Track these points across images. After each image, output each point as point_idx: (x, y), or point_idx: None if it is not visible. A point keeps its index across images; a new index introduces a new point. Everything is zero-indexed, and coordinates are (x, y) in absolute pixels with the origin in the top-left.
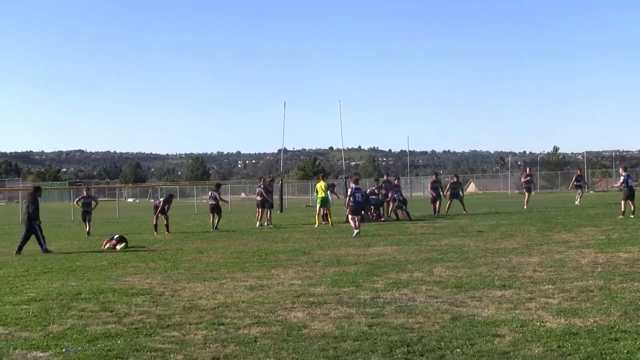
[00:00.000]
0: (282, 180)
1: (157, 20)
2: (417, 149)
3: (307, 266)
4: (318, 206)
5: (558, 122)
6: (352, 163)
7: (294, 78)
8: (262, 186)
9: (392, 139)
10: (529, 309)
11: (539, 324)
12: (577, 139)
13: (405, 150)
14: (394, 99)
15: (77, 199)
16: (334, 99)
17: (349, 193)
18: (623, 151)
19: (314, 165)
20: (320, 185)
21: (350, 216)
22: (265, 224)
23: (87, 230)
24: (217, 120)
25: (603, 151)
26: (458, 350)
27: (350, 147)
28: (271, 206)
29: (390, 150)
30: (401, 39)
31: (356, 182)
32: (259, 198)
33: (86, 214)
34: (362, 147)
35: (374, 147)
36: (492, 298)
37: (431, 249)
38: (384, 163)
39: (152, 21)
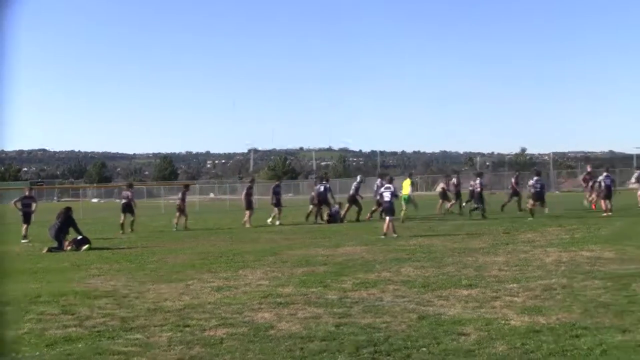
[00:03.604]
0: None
1: (118, 16)
2: (388, 150)
3: (275, 267)
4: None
5: (525, 123)
6: (323, 163)
7: (265, 77)
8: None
9: (362, 139)
10: (494, 307)
11: (503, 322)
12: (544, 140)
13: (376, 151)
14: (366, 100)
15: (16, 200)
16: (306, 99)
17: (380, 191)
18: (588, 152)
19: (284, 165)
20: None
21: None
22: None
23: (24, 233)
24: (186, 119)
25: (569, 152)
26: (424, 349)
27: (321, 148)
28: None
29: (360, 150)
30: (369, 37)
31: (390, 181)
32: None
33: (26, 215)
34: (332, 148)
35: (345, 147)
36: (459, 297)
37: (399, 249)
38: (354, 163)
39: (113, 17)
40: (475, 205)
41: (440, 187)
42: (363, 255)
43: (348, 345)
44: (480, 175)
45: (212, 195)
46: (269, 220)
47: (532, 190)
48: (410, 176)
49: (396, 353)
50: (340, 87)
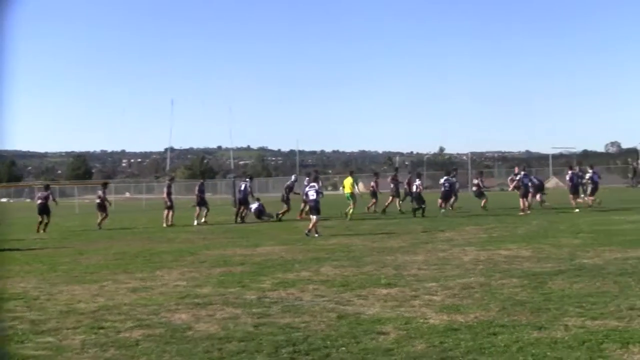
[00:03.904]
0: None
1: (34, 6)
2: (307, 149)
3: (193, 267)
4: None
5: (444, 124)
6: (241, 162)
7: (181, 75)
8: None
9: (281, 139)
10: (413, 306)
11: (422, 320)
12: (462, 140)
13: (295, 150)
14: (284, 99)
15: None
16: (223, 97)
17: (305, 190)
18: (505, 152)
19: (201, 164)
20: None
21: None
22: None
23: None
24: (101, 118)
25: (487, 152)
26: (343, 348)
27: (239, 147)
28: (170, 207)
29: (279, 149)
30: (286, 39)
31: (315, 180)
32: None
33: None
34: (251, 147)
35: (264, 147)
36: (378, 296)
37: (319, 248)
38: (273, 162)
39: (27, 8)
40: (417, 206)
41: (370, 185)
42: (282, 254)
43: (267, 345)
44: (419, 176)
45: (127, 194)
46: (195, 222)
47: (442, 189)
48: (351, 174)
49: (315, 353)
50: (258, 85)
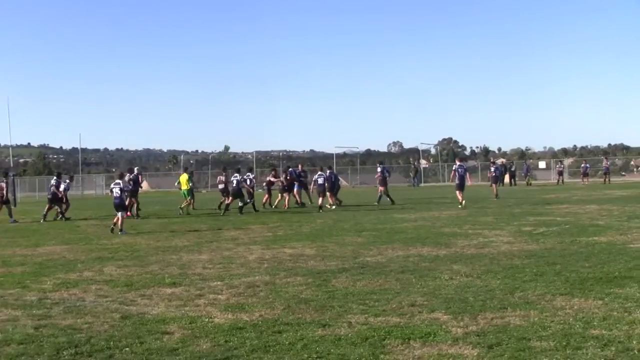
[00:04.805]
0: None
1: None
2: (90, 147)
3: None
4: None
5: (228, 123)
6: (22, 160)
7: None
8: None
9: (63, 136)
10: (198, 305)
11: (207, 319)
12: (247, 139)
13: (77, 148)
14: (66, 95)
15: None
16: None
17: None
18: (290, 151)
19: None
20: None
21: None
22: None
23: None
24: None
25: (272, 151)
26: (127, 349)
27: (19, 144)
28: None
29: (61, 147)
30: (65, 32)
31: (120, 177)
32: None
33: None
34: (31, 144)
35: (45, 144)
36: (162, 296)
37: (102, 247)
38: (54, 160)
39: None
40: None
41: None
42: (64, 254)
43: (48, 347)
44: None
45: None
46: None
47: (315, 185)
48: (185, 170)
49: (98, 354)
50: (38, 81)
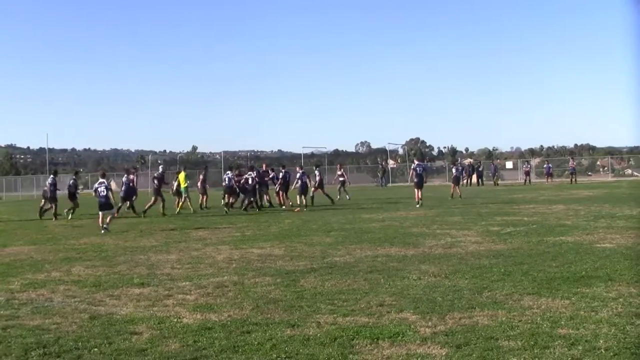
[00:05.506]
0: None
1: None
2: (57, 147)
3: None
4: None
5: (197, 123)
6: None
7: None
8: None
9: (30, 136)
10: (166, 305)
11: (176, 320)
12: (215, 139)
13: (45, 148)
14: (33, 95)
15: None
16: None
17: (95, 186)
18: (258, 151)
19: None
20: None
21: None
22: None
23: None
24: None
25: (239, 151)
26: (96, 349)
27: None
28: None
29: (29, 147)
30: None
31: (103, 176)
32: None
33: None
34: None
35: (12, 144)
36: (131, 296)
37: (70, 248)
38: (22, 160)
39: None
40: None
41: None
42: (32, 255)
43: (16, 348)
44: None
45: None
46: None
47: (298, 183)
48: (184, 169)
49: (66, 354)
50: (4, 80)
